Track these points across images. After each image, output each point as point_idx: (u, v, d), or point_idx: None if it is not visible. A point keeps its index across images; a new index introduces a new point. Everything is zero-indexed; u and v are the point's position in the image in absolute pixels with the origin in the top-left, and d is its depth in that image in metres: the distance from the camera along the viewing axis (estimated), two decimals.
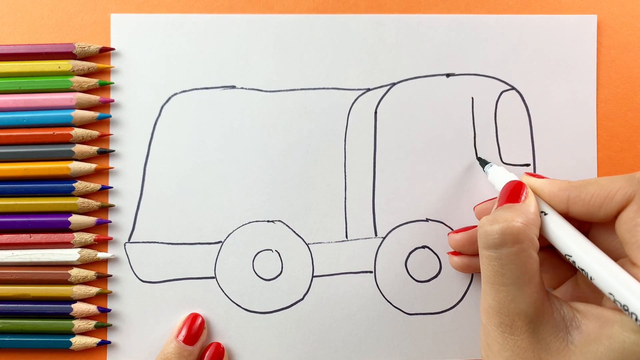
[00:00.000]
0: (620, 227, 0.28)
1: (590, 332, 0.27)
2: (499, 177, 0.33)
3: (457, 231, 0.35)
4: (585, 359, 0.26)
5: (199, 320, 0.36)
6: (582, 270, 0.28)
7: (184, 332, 0.35)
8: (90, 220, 0.36)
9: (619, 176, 0.28)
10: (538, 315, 0.27)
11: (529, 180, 0.32)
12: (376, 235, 0.37)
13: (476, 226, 0.33)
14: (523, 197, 0.30)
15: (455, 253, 0.36)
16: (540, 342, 0.27)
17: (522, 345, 0.27)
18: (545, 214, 0.30)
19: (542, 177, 0.32)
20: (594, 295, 0.31)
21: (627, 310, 0.26)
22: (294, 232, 0.37)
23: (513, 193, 0.30)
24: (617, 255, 0.29)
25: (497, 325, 0.28)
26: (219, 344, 0.36)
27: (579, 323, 0.27)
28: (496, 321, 0.28)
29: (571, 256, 0.28)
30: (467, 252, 0.35)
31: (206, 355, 0.36)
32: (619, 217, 0.28)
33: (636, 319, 0.25)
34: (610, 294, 0.27)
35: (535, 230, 0.29)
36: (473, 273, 0.37)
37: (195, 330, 0.36)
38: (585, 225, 0.31)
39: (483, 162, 0.36)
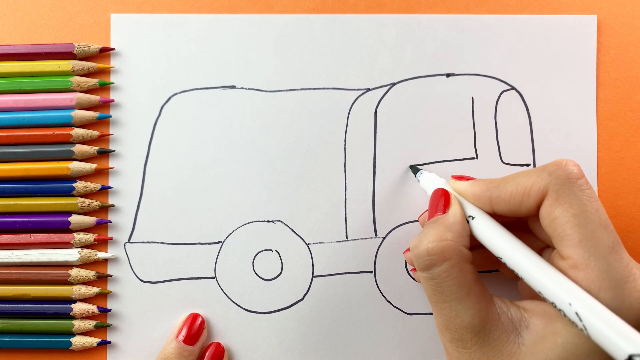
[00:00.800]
0: (543, 222, 0.28)
1: (539, 330, 0.27)
2: (429, 184, 0.33)
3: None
4: (535, 358, 0.26)
5: (199, 320, 0.36)
6: (513, 270, 0.28)
7: (184, 332, 0.35)
8: (90, 220, 0.37)
9: (533, 170, 0.28)
10: (484, 324, 0.27)
11: (454, 185, 0.32)
12: (376, 235, 0.37)
13: None
14: (446, 208, 0.30)
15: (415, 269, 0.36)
16: (493, 350, 0.27)
17: (476, 356, 0.28)
18: (473, 218, 0.30)
19: (468, 179, 0.32)
20: None
21: (555, 306, 0.26)
22: (294, 232, 0.37)
23: (437, 204, 0.31)
24: (553, 246, 0.29)
25: (450, 341, 0.28)
26: (219, 344, 0.36)
27: (527, 322, 0.27)
28: (448, 337, 0.28)
29: (501, 258, 0.28)
30: None
31: (206, 355, 0.36)
32: (540, 212, 0.28)
33: (564, 314, 0.25)
34: (540, 292, 0.27)
35: (463, 240, 0.29)
36: None
37: (195, 330, 0.36)
38: (524, 217, 0.31)
39: (415, 170, 0.36)
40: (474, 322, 0.27)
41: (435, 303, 0.29)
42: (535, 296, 0.30)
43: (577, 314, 0.25)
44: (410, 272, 0.37)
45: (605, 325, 0.24)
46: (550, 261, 0.28)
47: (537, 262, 0.27)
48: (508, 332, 0.27)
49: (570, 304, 0.25)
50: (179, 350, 0.35)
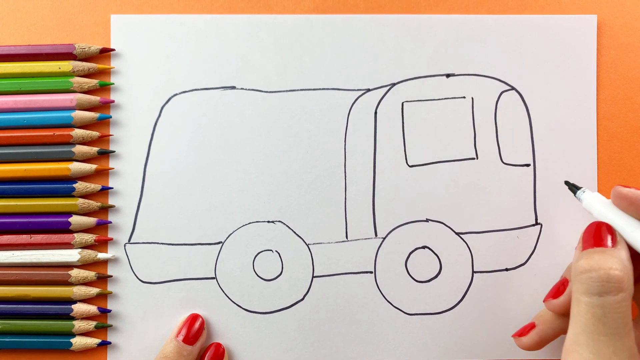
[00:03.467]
0: None
1: None
2: (596, 205, 0.31)
3: (554, 296, 0.32)
4: None
5: (198, 321, 0.36)
6: None
7: (183, 332, 0.35)
8: (91, 220, 0.37)
9: None
10: None
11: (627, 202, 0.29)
12: (376, 235, 0.37)
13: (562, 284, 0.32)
14: (612, 242, 0.28)
15: (527, 330, 0.33)
16: None
17: None
18: None
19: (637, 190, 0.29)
20: None
21: None
22: (294, 232, 0.37)
23: (605, 235, 0.29)
24: None
25: None
26: (219, 345, 0.36)
27: None
28: None
29: None
30: (564, 313, 0.32)
31: (206, 355, 0.36)
32: None
33: None
34: None
35: (633, 278, 0.27)
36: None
37: (195, 330, 0.36)
38: None
39: (573, 188, 0.33)
40: None
41: (590, 334, 0.26)
42: None
43: None
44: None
45: None
46: None
47: None
48: None
49: None
50: (178, 349, 0.35)
